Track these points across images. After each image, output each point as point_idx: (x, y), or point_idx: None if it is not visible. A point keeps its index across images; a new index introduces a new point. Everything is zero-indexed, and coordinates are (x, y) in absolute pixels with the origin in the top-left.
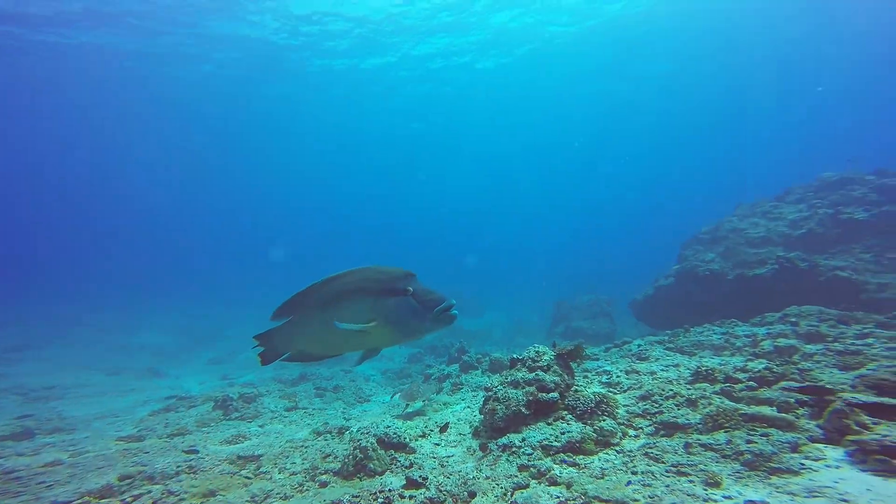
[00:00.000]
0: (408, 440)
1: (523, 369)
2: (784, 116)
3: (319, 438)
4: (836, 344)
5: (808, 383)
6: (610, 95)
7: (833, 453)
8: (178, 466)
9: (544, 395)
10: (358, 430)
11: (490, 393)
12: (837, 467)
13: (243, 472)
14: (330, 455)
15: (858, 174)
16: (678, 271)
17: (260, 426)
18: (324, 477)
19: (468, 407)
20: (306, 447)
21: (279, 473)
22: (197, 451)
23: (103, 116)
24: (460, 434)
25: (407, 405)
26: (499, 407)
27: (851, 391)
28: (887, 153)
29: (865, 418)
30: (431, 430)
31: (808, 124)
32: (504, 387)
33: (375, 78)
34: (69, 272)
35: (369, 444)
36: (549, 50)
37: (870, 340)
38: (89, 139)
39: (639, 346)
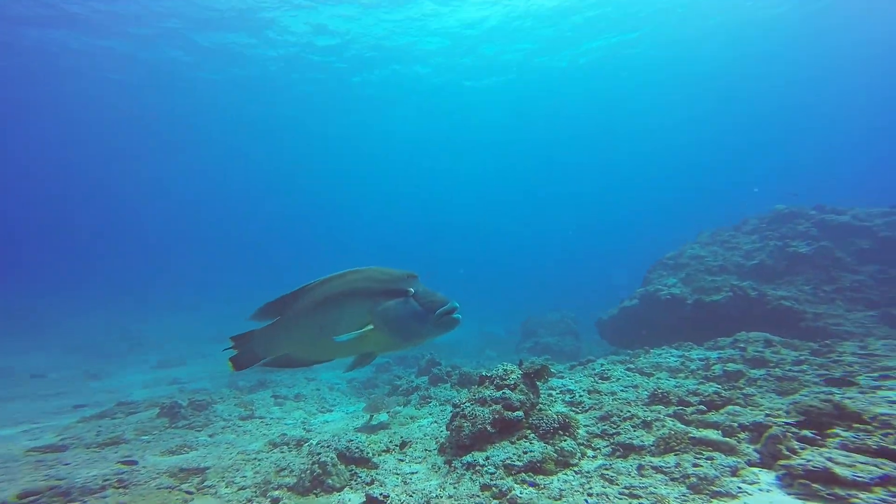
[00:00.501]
0: (370, 455)
1: (491, 387)
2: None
3: (275, 450)
4: (776, 369)
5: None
6: (589, 119)
7: (766, 477)
8: (106, 480)
9: (510, 413)
10: (318, 443)
11: (458, 409)
12: (768, 491)
13: (184, 485)
14: (285, 469)
15: (803, 209)
16: (642, 294)
17: (210, 436)
18: (276, 493)
19: (436, 422)
20: (260, 460)
21: (226, 488)
22: (135, 463)
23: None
24: (426, 450)
25: (371, 417)
26: (465, 424)
27: (786, 416)
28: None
29: (795, 444)
30: (396, 445)
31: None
32: (472, 404)
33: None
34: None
35: (329, 459)
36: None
37: (804, 367)
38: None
39: (602, 365)
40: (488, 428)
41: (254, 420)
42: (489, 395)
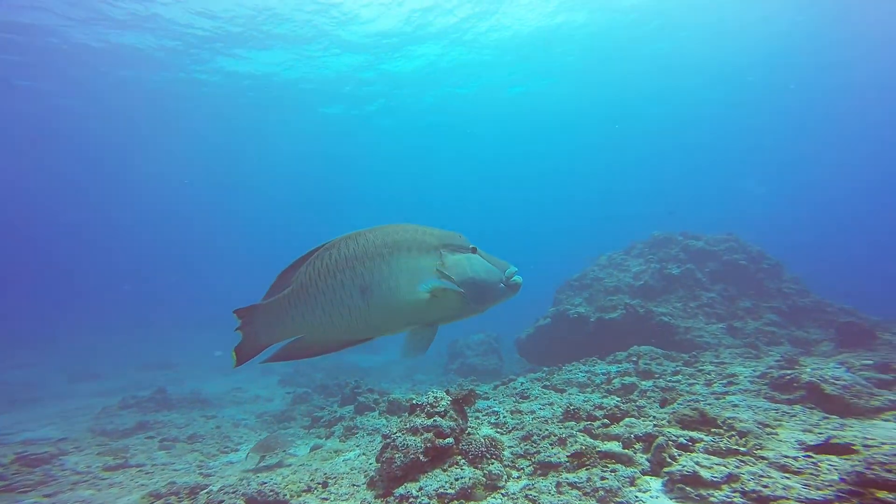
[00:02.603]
0: (288, 497)
1: (422, 415)
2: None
3: (159, 503)
4: (660, 381)
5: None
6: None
7: (655, 484)
8: None
9: (441, 440)
10: (220, 489)
11: (389, 440)
12: (657, 497)
13: None
14: None
15: (673, 235)
16: (553, 313)
17: (48, 496)
18: None
19: (364, 454)
20: None
21: None
22: None
23: None
24: (353, 485)
25: (261, 458)
26: (397, 455)
27: (668, 425)
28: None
29: (674, 451)
30: (319, 483)
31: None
32: (403, 433)
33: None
34: None
35: None
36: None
37: (678, 377)
38: None
39: (522, 383)
40: (421, 457)
41: (128, 470)
42: (420, 424)
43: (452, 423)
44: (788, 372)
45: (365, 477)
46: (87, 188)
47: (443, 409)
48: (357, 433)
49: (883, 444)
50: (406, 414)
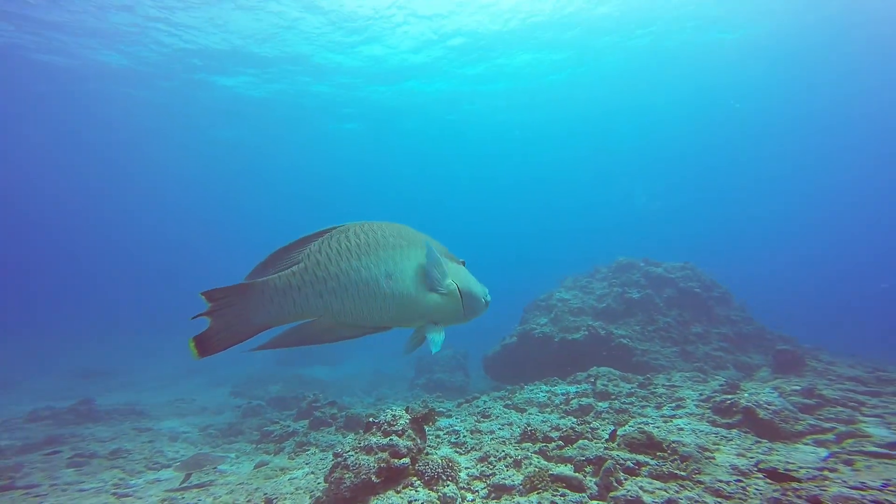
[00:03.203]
0: None
1: (378, 433)
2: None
3: None
4: (615, 402)
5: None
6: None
7: None
8: None
9: (396, 461)
10: None
11: (340, 459)
12: None
13: None
14: None
15: (636, 261)
16: (520, 332)
17: None
18: None
19: (312, 472)
20: None
21: None
22: None
23: None
24: None
25: (186, 477)
26: (347, 475)
27: (617, 448)
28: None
29: (621, 475)
30: None
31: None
32: (356, 452)
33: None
34: None
35: None
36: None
37: (632, 399)
38: None
39: (484, 402)
40: (373, 478)
41: (11, 492)
42: (376, 442)
43: (410, 443)
44: (729, 397)
45: (310, 498)
46: (49, 184)
47: (401, 428)
48: (309, 450)
49: (800, 468)
50: (361, 431)
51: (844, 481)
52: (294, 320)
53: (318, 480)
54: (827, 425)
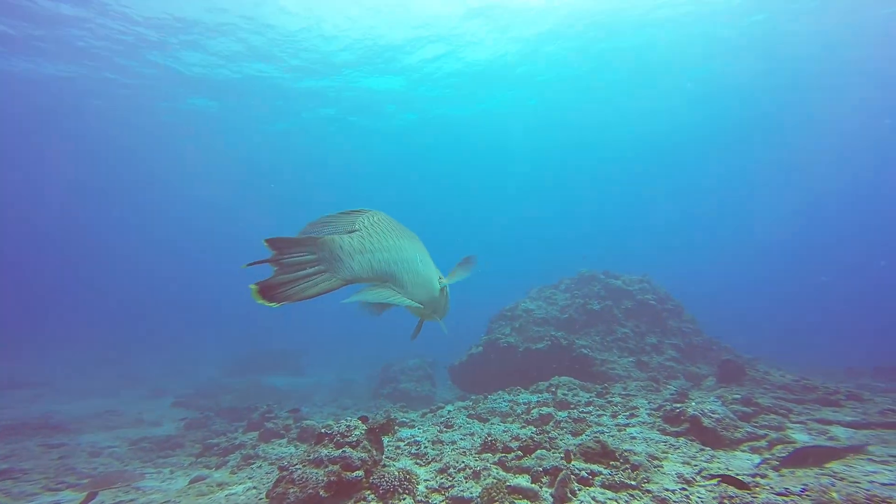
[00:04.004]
0: None
1: (330, 445)
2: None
3: None
4: (574, 411)
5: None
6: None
7: None
8: None
9: (349, 473)
10: None
11: (285, 473)
12: None
13: None
14: None
15: (597, 273)
16: (486, 341)
17: None
18: None
19: (254, 488)
20: None
21: None
22: None
23: None
24: None
25: (88, 497)
26: (292, 490)
27: (573, 457)
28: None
29: (575, 486)
30: None
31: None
32: (304, 466)
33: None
34: None
35: None
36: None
37: (590, 408)
38: None
39: (448, 412)
40: (321, 492)
41: None
42: (327, 455)
43: (364, 455)
44: (678, 406)
45: None
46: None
47: (355, 440)
48: (255, 463)
49: (737, 475)
50: (313, 444)
51: (772, 487)
52: (366, 281)
53: (260, 496)
54: (761, 432)
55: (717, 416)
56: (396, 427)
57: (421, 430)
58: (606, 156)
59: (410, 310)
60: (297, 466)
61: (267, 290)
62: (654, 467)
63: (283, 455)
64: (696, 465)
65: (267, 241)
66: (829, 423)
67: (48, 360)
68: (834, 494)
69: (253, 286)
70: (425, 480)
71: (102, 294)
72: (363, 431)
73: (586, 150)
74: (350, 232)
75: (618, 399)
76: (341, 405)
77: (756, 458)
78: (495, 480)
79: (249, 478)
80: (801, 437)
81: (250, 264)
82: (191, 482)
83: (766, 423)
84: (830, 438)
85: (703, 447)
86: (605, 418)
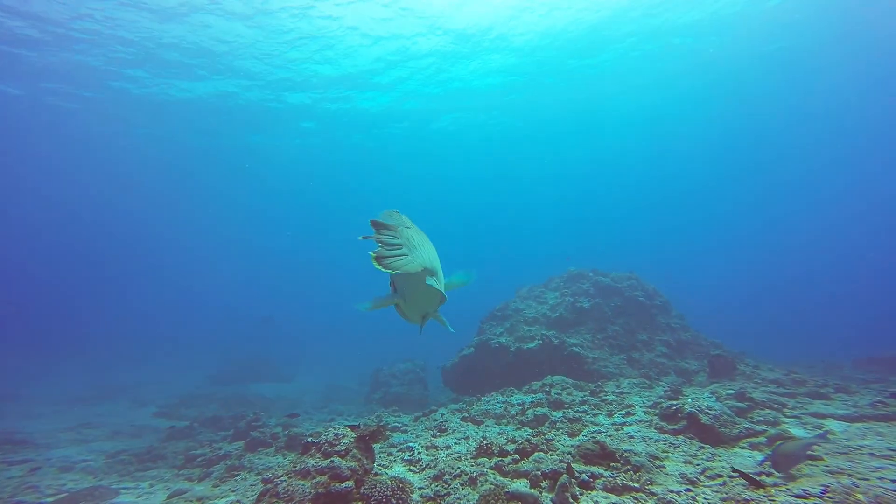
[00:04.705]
0: None
1: (317, 455)
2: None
3: None
4: (569, 411)
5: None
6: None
7: None
8: None
9: (338, 484)
10: None
11: (269, 486)
12: None
13: None
14: None
15: (585, 271)
16: (477, 343)
17: None
18: None
19: (237, 501)
20: None
21: None
22: None
23: None
24: None
25: None
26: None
27: (572, 459)
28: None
29: (577, 490)
30: None
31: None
32: (289, 477)
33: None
34: None
35: None
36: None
37: (585, 407)
38: None
39: (442, 415)
40: None
41: None
42: (314, 465)
43: (354, 464)
44: (674, 403)
45: None
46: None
47: (343, 448)
48: (239, 475)
49: (752, 474)
50: (299, 454)
51: (789, 490)
52: (429, 273)
53: None
54: (759, 428)
55: (714, 412)
56: (388, 433)
57: (414, 435)
58: (589, 154)
59: (433, 306)
60: (282, 479)
61: (378, 260)
62: (657, 468)
63: (271, 465)
64: (698, 465)
65: (372, 221)
66: (823, 416)
67: (19, 373)
68: (860, 496)
69: (372, 254)
70: (420, 489)
71: (79, 304)
72: (352, 439)
73: (572, 145)
74: (407, 227)
75: (612, 397)
76: (332, 411)
77: (758, 455)
78: (493, 486)
79: (233, 490)
80: (797, 432)
81: (365, 237)
82: (169, 497)
83: (761, 419)
84: (827, 433)
85: (702, 445)
86: (600, 417)
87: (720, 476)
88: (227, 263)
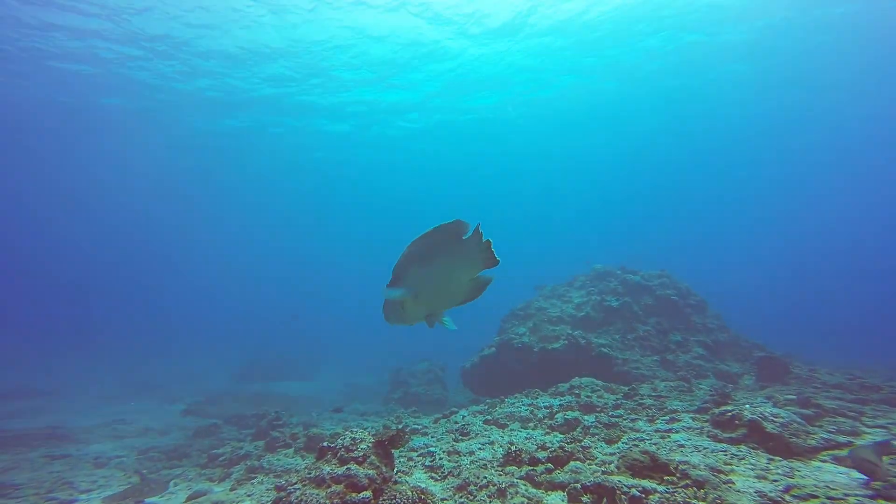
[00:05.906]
0: None
1: (334, 461)
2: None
3: None
4: (602, 415)
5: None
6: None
7: None
8: None
9: (354, 494)
10: None
11: (282, 494)
12: None
13: None
14: None
15: (613, 269)
16: (498, 342)
17: None
18: None
19: None
20: None
21: None
22: None
23: None
24: None
25: None
26: None
27: (616, 471)
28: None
29: None
30: None
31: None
32: (303, 485)
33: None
34: None
35: None
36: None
37: (620, 411)
38: None
39: (463, 417)
40: None
41: None
42: (329, 473)
43: (372, 472)
44: (729, 409)
45: None
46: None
47: (361, 454)
48: (256, 477)
49: (847, 495)
50: (314, 459)
51: None
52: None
53: None
54: (841, 439)
55: (781, 419)
56: (408, 436)
57: (434, 439)
58: (621, 150)
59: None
60: (296, 486)
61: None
62: (724, 483)
63: (289, 467)
64: (776, 481)
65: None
66: None
67: (58, 369)
68: None
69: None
70: (443, 500)
71: (114, 302)
72: (370, 445)
73: (601, 144)
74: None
75: (649, 401)
76: (352, 410)
77: (855, 473)
78: (525, 500)
79: (249, 494)
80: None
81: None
82: (188, 498)
83: (835, 428)
84: None
85: (771, 457)
86: (640, 423)
87: (814, 497)
88: (248, 263)
